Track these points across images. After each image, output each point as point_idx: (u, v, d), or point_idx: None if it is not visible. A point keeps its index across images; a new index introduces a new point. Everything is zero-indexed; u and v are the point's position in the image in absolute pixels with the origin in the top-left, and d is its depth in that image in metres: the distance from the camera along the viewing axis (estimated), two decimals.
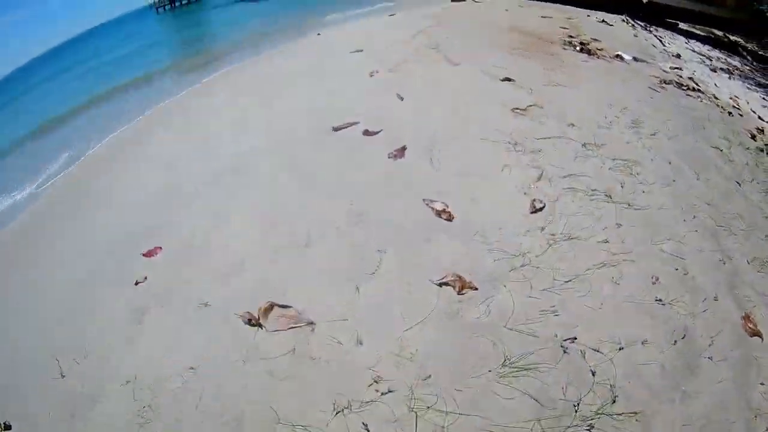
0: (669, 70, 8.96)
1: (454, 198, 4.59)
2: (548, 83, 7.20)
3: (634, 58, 9.44)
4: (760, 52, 13.40)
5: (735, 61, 11.84)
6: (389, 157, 5.33)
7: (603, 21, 13.42)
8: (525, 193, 4.66)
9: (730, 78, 9.53)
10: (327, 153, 5.58)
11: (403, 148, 5.42)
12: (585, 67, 8.35)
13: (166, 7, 56.40)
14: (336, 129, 5.99)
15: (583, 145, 5.46)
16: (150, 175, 6.61)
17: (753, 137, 6.03)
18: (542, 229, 4.13)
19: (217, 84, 10.99)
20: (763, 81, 9.89)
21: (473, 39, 9.90)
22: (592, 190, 4.63)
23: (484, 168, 5.01)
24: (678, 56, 10.57)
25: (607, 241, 3.96)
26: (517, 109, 6.23)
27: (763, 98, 8.29)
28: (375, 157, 5.36)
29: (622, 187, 4.62)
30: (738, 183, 4.87)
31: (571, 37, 10.77)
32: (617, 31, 12.55)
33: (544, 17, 12.79)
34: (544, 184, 4.83)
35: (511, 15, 12.73)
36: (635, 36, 12.24)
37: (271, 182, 5.27)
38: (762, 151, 5.63)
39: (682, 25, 15.25)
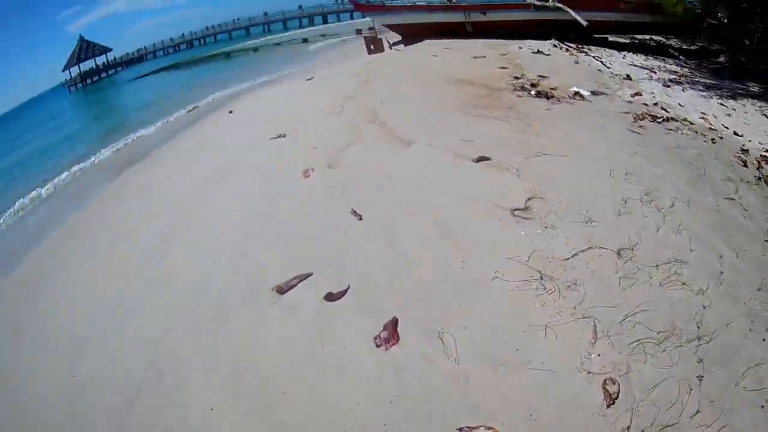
0: (632, 99, 8.30)
1: (500, 415, 2.88)
2: (529, 153, 5.76)
3: (593, 92, 8.65)
4: (684, 47, 14.21)
5: (672, 65, 11.79)
6: (378, 346, 3.37)
7: (538, 51, 12.59)
8: (588, 372, 3.09)
9: (683, 90, 9.20)
10: (276, 349, 3.61)
11: (394, 324, 3.47)
12: (552, 116, 7.16)
13: (78, 86, 60.13)
14: (281, 291, 3.97)
15: (618, 253, 4.01)
16: None
17: (744, 164, 5.74)
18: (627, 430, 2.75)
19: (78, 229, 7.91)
20: (707, 81, 9.97)
21: (415, 100, 8.42)
22: (658, 333, 3.34)
23: (518, 340, 3.33)
24: (628, 77, 9.97)
25: (699, 412, 2.85)
26: (517, 210, 4.57)
27: (721, 104, 8.33)
28: (355, 350, 3.38)
29: (683, 311, 3.53)
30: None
31: (517, 78, 9.67)
32: (557, 60, 11.66)
33: (477, 57, 11.80)
34: (604, 345, 3.28)
35: (442, 61, 11.60)
36: (576, 63, 11.44)
37: None
38: (761, 180, 5.40)
39: (610, 38, 15.39)
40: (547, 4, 14.02)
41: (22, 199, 12.09)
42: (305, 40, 35.77)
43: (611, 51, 13.57)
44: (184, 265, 4.90)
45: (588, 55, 12.66)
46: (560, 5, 13.74)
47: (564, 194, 4.73)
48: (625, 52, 13.37)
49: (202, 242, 5.27)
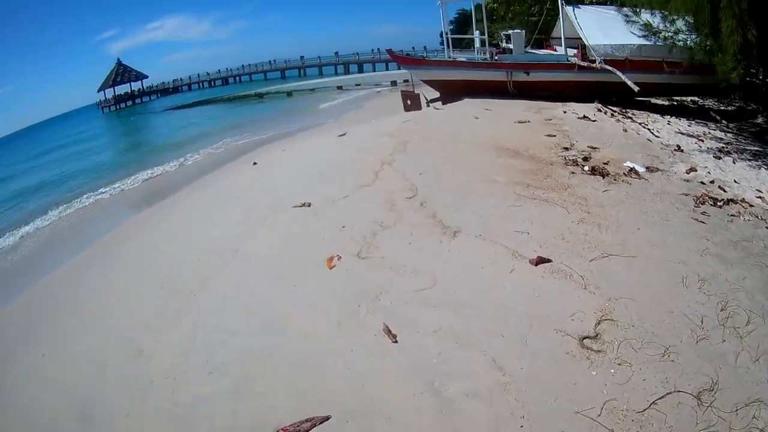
0: (689, 177, 7.75)
1: None
2: (594, 253, 5.07)
3: (647, 168, 8.03)
4: (722, 108, 14.14)
5: (716, 131, 11.36)
6: None
7: (584, 117, 12.05)
8: None
9: (734, 162, 8.76)
10: None
11: None
12: (612, 200, 6.55)
13: (111, 108, 62.72)
14: None
15: (698, 398, 3.30)
16: None
17: None
18: None
19: None
20: (753, 148, 9.69)
21: (458, 173, 7.82)
22: None
23: None
24: (679, 148, 9.44)
25: None
26: (587, 339, 3.92)
27: None
28: None
29: None
30: None
31: (566, 149, 9.08)
32: (605, 128, 11.09)
33: (521, 122, 11.29)
34: None
35: (484, 125, 11.17)
36: (625, 131, 10.83)
37: None
38: None
39: (652, 101, 15.04)
40: (594, 65, 13.47)
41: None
42: (339, 88, 35.72)
43: (654, 116, 13.07)
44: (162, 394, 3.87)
45: (634, 121, 12.14)
46: (608, 67, 13.21)
47: (637, 314, 4.08)
48: (668, 117, 12.88)
49: (185, 364, 4.19)
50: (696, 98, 15.70)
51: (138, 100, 66.95)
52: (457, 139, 9.65)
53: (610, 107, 13.67)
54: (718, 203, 6.54)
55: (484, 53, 16.51)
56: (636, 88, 11.68)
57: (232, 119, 27.64)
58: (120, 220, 10.19)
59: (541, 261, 4.91)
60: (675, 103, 15.59)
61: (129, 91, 67.97)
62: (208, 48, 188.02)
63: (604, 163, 8.25)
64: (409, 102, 16.28)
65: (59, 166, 22.19)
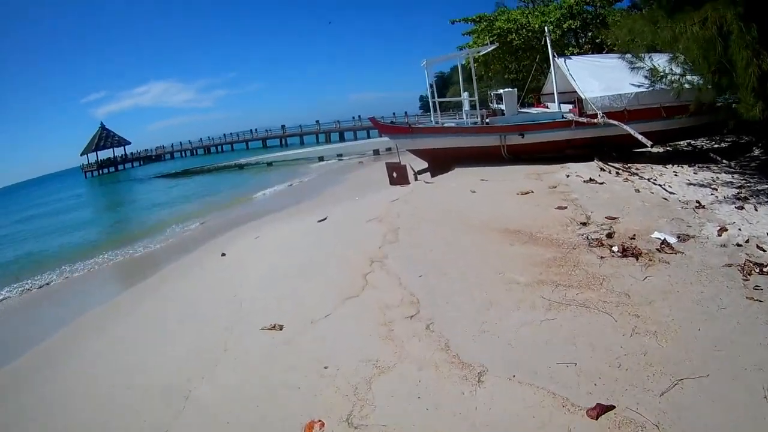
0: (722, 240, 6.96)
1: None
2: (662, 382, 3.79)
3: (678, 237, 7.11)
4: (715, 147, 14.03)
5: (721, 174, 10.96)
6: None
7: (590, 180, 11.12)
8: None
9: (756, 209, 8.19)
10: None
11: None
12: (657, 291, 5.36)
13: (94, 173, 64.97)
14: None
15: None
16: None
17: None
18: None
19: None
20: (765, 187, 9.47)
21: (465, 271, 6.44)
22: None
23: None
24: (699, 204, 8.73)
25: None
26: None
27: None
28: None
29: None
30: None
31: (584, 224, 7.98)
32: (615, 190, 10.18)
33: (524, 194, 10.22)
34: None
35: (484, 200, 10.11)
36: (637, 191, 9.97)
37: None
38: None
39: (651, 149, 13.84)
40: (596, 120, 12.65)
41: None
42: (321, 159, 34.92)
43: (657, 167, 12.31)
44: None
45: (642, 178, 11.29)
46: (613, 121, 12.40)
47: None
48: (671, 166, 12.22)
49: None
50: (688, 140, 15.36)
51: (121, 167, 68.70)
52: (457, 222, 8.40)
53: (611, 164, 12.88)
54: (764, 269, 5.81)
55: (474, 116, 15.56)
56: (648, 143, 10.85)
57: (211, 192, 27.02)
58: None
59: (602, 410, 3.55)
60: (669, 148, 15.14)
61: (112, 157, 69.86)
62: (191, 115, 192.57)
63: (631, 238, 7.20)
64: (395, 174, 15.22)
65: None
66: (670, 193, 9.70)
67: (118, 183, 49.08)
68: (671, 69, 10.93)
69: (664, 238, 7.00)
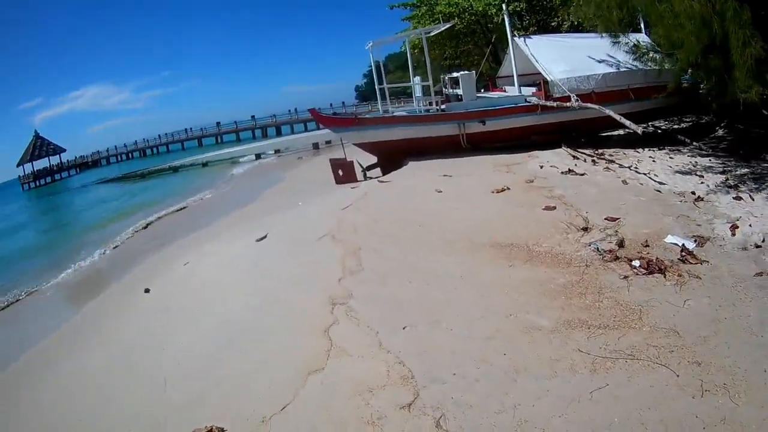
0: (743, 242, 6.09)
1: None
2: None
3: (695, 241, 6.08)
4: (683, 126, 13.53)
5: (698, 158, 10.20)
6: None
7: (570, 171, 9.86)
8: None
9: (752, 198, 7.54)
10: None
11: None
12: (705, 323, 4.22)
13: (31, 185, 62.16)
14: None
15: None
16: None
17: None
18: None
19: None
20: (746, 170, 8.89)
21: (467, 314, 4.71)
22: None
23: None
24: (698, 197, 7.84)
25: None
26: None
27: None
28: None
29: None
30: None
31: (585, 230, 6.60)
32: (601, 183, 8.98)
33: (500, 192, 8.74)
34: None
35: (456, 203, 8.44)
36: (625, 183, 8.87)
37: None
38: None
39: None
40: (569, 104, 11.42)
41: None
42: (258, 156, 32.47)
43: (627, 151, 11.45)
44: None
45: (622, 166, 10.18)
46: (593, 105, 11.05)
47: None
48: (640, 150, 11.34)
49: None
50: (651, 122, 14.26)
51: (57, 176, 65.79)
52: (431, 235, 6.76)
53: (581, 151, 11.73)
54: None
55: (428, 103, 13.79)
56: (639, 129, 9.52)
57: (140, 201, 23.88)
58: None
59: None
60: (639, 134, 13.71)
61: (48, 166, 66.81)
62: (128, 116, 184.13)
63: (644, 245, 6.04)
64: (340, 172, 13.39)
65: None
66: (660, 183, 8.68)
67: (53, 195, 45.65)
68: (651, 46, 10.82)
69: (683, 244, 5.93)
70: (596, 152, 11.61)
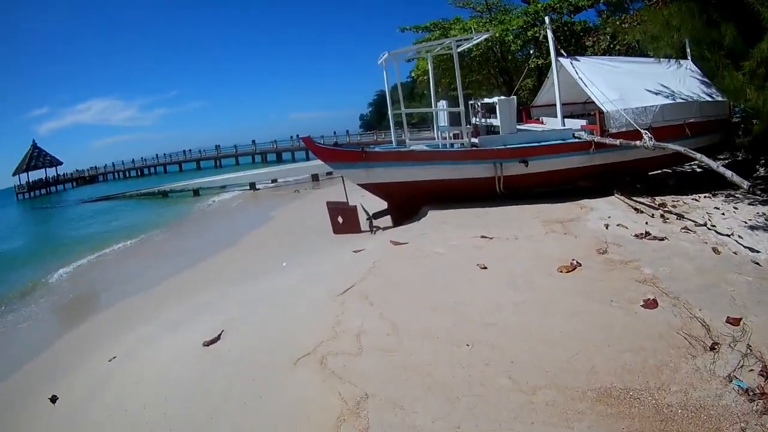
0: None
1: None
2: None
3: None
4: (728, 159, 11.81)
5: (760, 206, 8.30)
6: None
7: (645, 234, 7.19)
8: None
9: None
10: None
11: None
12: None
13: (26, 195, 63.12)
14: None
15: None
16: None
17: None
18: None
19: None
20: None
21: None
22: None
23: None
24: None
25: None
26: None
27: None
28: None
29: None
30: None
31: (713, 349, 3.92)
32: (689, 252, 6.34)
33: (570, 270, 6.04)
34: None
35: (511, 291, 5.62)
36: (717, 253, 6.24)
37: None
38: None
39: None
40: (641, 144, 8.55)
41: None
42: (252, 186, 29.45)
43: (683, 198, 9.22)
44: None
45: (696, 223, 7.64)
46: (676, 147, 8.20)
47: None
48: (694, 196, 9.27)
49: None
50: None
51: (53, 189, 67.03)
52: (493, 376, 3.77)
53: (637, 200, 9.08)
54: None
55: (457, 136, 10.89)
56: (746, 185, 6.60)
57: (115, 226, 21.68)
58: None
59: None
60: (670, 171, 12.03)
61: (44, 178, 68.28)
62: (133, 134, 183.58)
63: None
64: (340, 220, 10.67)
65: None
66: (753, 251, 6.32)
67: (40, 209, 45.07)
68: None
69: None
70: (654, 201, 9.05)
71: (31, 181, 66.28)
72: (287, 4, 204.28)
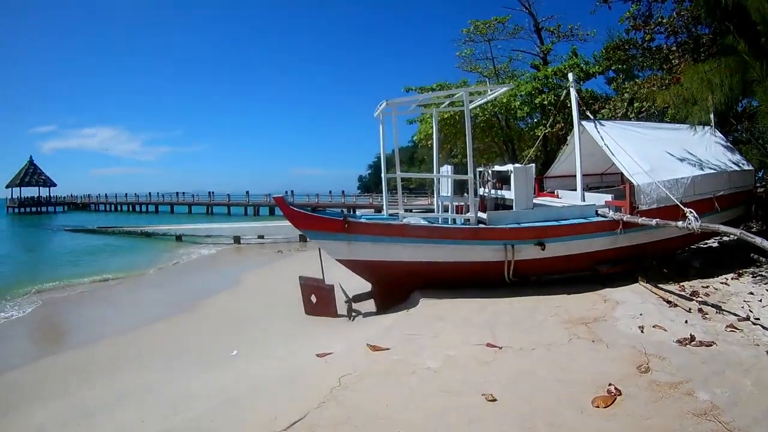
0: None
1: None
2: None
3: None
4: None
5: None
6: None
7: (691, 339, 5.46)
8: None
9: None
10: None
11: None
12: None
13: (16, 210, 65.49)
14: None
15: None
16: None
17: None
18: None
19: None
20: None
21: None
22: None
23: None
24: None
25: None
26: None
27: None
28: None
29: None
30: None
31: None
32: (744, 360, 4.89)
33: (608, 404, 4.13)
34: None
35: None
36: None
37: None
38: None
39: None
40: (683, 225, 6.94)
41: None
42: (236, 240, 27.47)
43: (710, 282, 7.90)
44: None
45: (738, 316, 6.27)
46: (727, 228, 6.71)
47: None
48: (723, 278, 7.98)
49: None
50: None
51: (44, 209, 67.49)
52: None
53: (664, 288, 7.53)
54: None
55: (460, 209, 9.21)
56: None
57: (83, 267, 19.27)
58: None
59: None
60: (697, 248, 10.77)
61: (36, 196, 68.97)
62: (133, 167, 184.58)
63: None
64: (313, 299, 8.76)
65: None
66: None
67: (23, 227, 46.05)
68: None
69: None
70: (682, 288, 7.59)
71: (23, 197, 67.48)
72: (294, 55, 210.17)
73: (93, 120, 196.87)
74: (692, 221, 6.85)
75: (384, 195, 9.47)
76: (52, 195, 70.98)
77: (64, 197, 72.74)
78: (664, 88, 11.23)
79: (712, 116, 9.43)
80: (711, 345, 5.25)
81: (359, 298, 8.66)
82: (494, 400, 4.22)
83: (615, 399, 4.15)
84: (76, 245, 28.72)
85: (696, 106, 8.87)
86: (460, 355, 5.34)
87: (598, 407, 4.05)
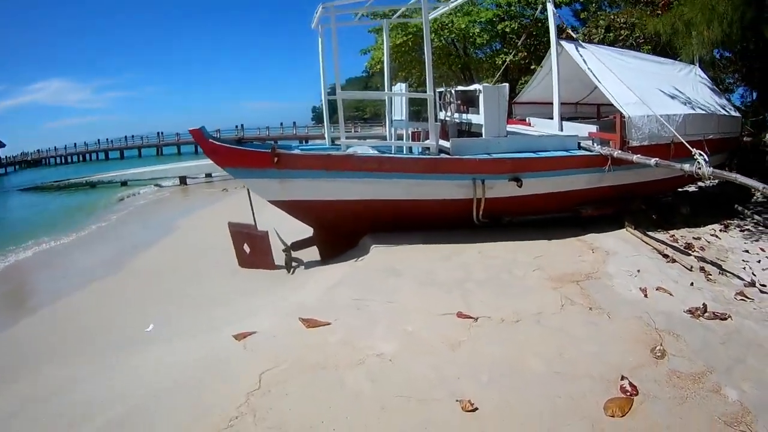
0: None
1: None
2: None
3: None
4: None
5: None
6: None
7: (704, 310, 4.30)
8: None
9: None
10: None
11: None
12: None
13: None
14: None
15: None
16: None
17: None
18: None
19: None
20: None
21: None
22: None
23: None
24: None
25: None
26: None
27: None
28: None
29: None
30: None
31: None
32: (764, 340, 3.75)
33: (628, 409, 2.82)
34: None
35: None
36: None
37: None
38: None
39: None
40: (690, 170, 5.67)
41: None
42: (183, 181, 25.70)
43: (697, 230, 7.18)
44: None
45: (739, 277, 5.40)
46: (735, 175, 5.56)
47: None
48: (712, 228, 7.31)
49: None
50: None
51: None
52: None
53: (652, 236, 6.55)
54: None
55: (418, 136, 7.60)
56: None
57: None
58: None
59: None
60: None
61: None
62: (87, 116, 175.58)
63: None
64: (247, 249, 7.07)
65: None
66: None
67: None
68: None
69: None
70: (673, 237, 6.68)
71: None
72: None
73: (40, 73, 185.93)
74: (702, 165, 5.58)
75: (325, 121, 7.81)
76: (2, 156, 64.86)
77: (15, 156, 66.88)
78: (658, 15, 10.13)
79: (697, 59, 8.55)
80: (726, 318, 4.20)
81: (299, 245, 7.07)
82: (474, 409, 2.87)
83: (632, 402, 2.96)
84: (18, 205, 26.73)
85: (693, 38, 7.94)
86: (422, 331, 3.94)
87: (613, 416, 2.83)
